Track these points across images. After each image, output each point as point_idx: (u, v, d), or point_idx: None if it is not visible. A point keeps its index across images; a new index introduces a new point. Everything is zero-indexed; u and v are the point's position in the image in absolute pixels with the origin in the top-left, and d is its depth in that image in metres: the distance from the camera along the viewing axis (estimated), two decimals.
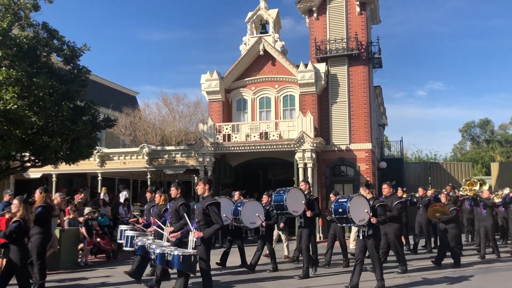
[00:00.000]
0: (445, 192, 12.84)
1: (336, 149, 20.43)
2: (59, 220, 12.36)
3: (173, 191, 8.76)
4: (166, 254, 7.36)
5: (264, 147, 19.18)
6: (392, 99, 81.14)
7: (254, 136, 19.54)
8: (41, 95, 13.65)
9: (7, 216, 10.91)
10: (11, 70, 12.99)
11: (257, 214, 10.74)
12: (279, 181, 23.56)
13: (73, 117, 14.98)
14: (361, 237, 8.75)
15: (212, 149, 19.45)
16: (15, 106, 12.47)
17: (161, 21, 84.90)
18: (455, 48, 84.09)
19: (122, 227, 11.32)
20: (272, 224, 11.47)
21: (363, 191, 9.31)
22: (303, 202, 9.92)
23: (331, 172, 20.47)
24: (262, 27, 22.03)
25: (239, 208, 10.89)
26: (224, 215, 10.51)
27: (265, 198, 12.04)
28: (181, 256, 7.14)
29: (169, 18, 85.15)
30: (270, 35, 21.33)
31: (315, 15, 21.43)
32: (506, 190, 15.24)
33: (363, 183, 11.78)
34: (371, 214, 8.58)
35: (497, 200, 13.79)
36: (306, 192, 10.03)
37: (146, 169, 21.41)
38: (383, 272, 8.92)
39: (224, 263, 11.49)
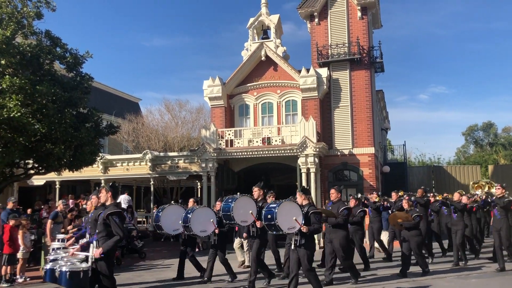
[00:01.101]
0: (407, 197, 11.94)
1: (339, 153, 20.42)
2: (63, 229, 12.38)
3: (103, 195, 7.35)
4: (56, 270, 6.56)
5: (266, 152, 19.19)
6: (394, 103, 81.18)
7: (257, 142, 19.56)
8: (44, 103, 13.72)
9: (11, 223, 10.96)
10: (15, 78, 13.07)
11: (211, 220, 9.94)
12: (282, 186, 23.53)
13: (76, 124, 15.04)
14: (292, 247, 8.08)
15: (215, 154, 19.47)
16: (19, 114, 12.53)
17: (163, 27, 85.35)
18: (456, 51, 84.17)
19: (55, 245, 9.74)
20: (225, 232, 10.38)
21: (299, 196, 8.58)
22: (251, 212, 9.05)
23: (334, 176, 20.44)
24: (264, 32, 22.10)
25: (189, 216, 10.10)
26: (180, 223, 10.21)
27: (218, 205, 11.33)
28: (68, 273, 6.41)
29: (170, 24, 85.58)
30: (271, 41, 21.39)
31: (316, 20, 21.49)
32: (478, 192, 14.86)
33: (337, 187, 10.67)
34: (303, 222, 7.88)
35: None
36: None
37: (149, 175, 21.44)
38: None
39: (180, 276, 10.82)
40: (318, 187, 18.85)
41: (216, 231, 9.84)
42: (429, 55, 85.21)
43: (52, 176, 19.86)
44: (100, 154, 18.12)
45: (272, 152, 19.12)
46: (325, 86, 20.19)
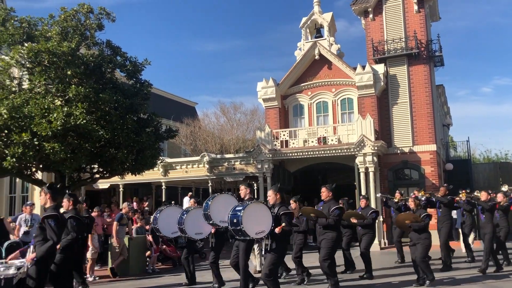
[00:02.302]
0: (413, 196, 10.94)
1: (398, 151, 19.81)
2: (127, 229, 12.89)
3: (65, 203, 7.45)
4: None
5: (322, 152, 18.96)
6: (456, 98, 77.65)
7: (312, 142, 19.38)
8: (107, 110, 14.33)
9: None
10: (80, 87, 13.75)
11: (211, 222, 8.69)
12: (339, 186, 23.18)
13: (137, 129, 15.58)
14: (263, 252, 7.44)
15: (270, 155, 19.50)
16: (84, 121, 13.16)
17: (214, 32, 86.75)
18: None
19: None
20: (222, 232, 9.48)
21: (271, 194, 7.74)
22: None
23: (394, 175, 19.86)
24: (317, 31, 21.88)
25: (183, 217, 9.61)
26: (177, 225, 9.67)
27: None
28: (2, 279, 6.18)
29: (221, 29, 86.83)
30: (325, 39, 21.13)
31: (371, 16, 20.99)
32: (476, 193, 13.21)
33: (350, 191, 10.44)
34: (273, 224, 7.21)
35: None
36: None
37: (207, 177, 21.84)
38: None
39: (192, 282, 10.30)
40: (377, 186, 18.38)
41: (212, 230, 8.98)
42: (491, 46, 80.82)
43: (115, 179, 20.71)
44: (161, 158, 18.66)
45: (328, 152, 18.86)
46: (382, 83, 19.67)
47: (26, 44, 14.30)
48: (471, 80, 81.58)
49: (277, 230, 7.16)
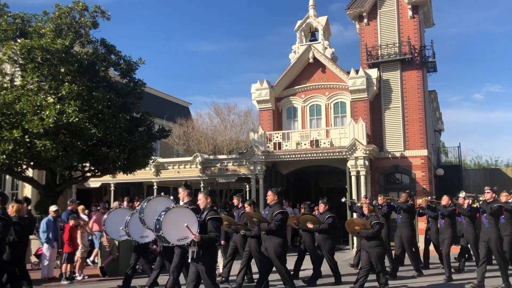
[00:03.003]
0: (368, 201, 10.42)
1: (390, 156, 19.92)
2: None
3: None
4: None
5: (315, 155, 19.02)
6: (448, 104, 78.12)
7: (305, 144, 19.45)
8: (100, 108, 14.31)
9: (71, 223, 11.50)
10: (73, 85, 13.71)
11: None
12: (331, 189, 23.26)
13: (130, 128, 15.56)
14: (189, 260, 6.88)
15: (263, 157, 19.53)
16: (77, 119, 13.12)
17: (209, 32, 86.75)
18: None
19: None
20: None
21: (203, 197, 7.19)
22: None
23: (385, 179, 19.96)
24: (312, 34, 21.97)
25: (127, 219, 9.00)
26: (121, 228, 9.00)
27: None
28: None
29: (217, 29, 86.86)
30: (319, 43, 21.23)
31: (365, 20, 21.12)
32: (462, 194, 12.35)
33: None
34: (198, 230, 6.67)
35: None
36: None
37: (199, 178, 21.82)
38: None
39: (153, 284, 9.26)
40: (368, 190, 18.48)
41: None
42: (484, 53, 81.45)
43: (107, 178, 20.64)
44: (153, 157, 18.64)
45: (320, 155, 18.93)
46: (375, 87, 19.78)
47: (19, 40, 14.25)
48: (463, 86, 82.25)
49: (194, 237, 6.58)
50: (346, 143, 18.43)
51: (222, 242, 11.15)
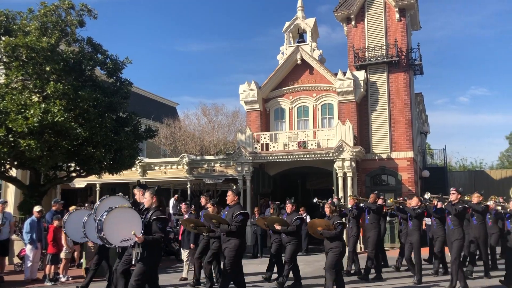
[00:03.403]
0: (329, 201, 9.93)
1: (376, 157, 20.06)
2: None
3: None
4: None
5: (302, 156, 19.06)
6: (434, 106, 79.03)
7: (292, 145, 19.48)
8: (86, 108, 14.14)
9: (55, 224, 11.35)
10: (58, 84, 13.54)
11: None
12: (318, 190, 23.32)
13: (116, 128, 15.42)
14: (133, 262, 6.72)
15: (251, 158, 19.52)
16: (62, 119, 12.95)
17: (198, 32, 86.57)
18: (498, 52, 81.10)
19: None
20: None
21: (148, 195, 6.95)
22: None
23: (371, 181, 20.09)
24: (300, 36, 22.04)
25: (85, 219, 8.79)
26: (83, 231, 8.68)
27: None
28: None
29: (205, 29, 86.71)
30: (307, 44, 21.30)
31: (353, 22, 21.24)
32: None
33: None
34: (142, 231, 6.50)
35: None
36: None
37: (186, 179, 21.71)
38: None
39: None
40: (355, 191, 18.56)
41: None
42: (470, 57, 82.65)
43: (93, 178, 20.43)
44: (139, 158, 18.51)
45: (308, 156, 18.98)
46: (362, 89, 19.91)
47: (3, 38, 14.03)
48: (449, 89, 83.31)
49: (137, 239, 6.42)
50: (333, 145, 18.51)
51: (191, 245, 10.95)
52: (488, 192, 25.51)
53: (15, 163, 14.94)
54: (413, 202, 11.03)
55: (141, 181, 22.39)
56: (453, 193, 9.62)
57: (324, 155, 18.63)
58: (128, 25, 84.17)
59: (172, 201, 20.46)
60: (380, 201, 12.09)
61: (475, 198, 11.19)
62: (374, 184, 20.07)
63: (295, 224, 10.20)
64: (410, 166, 19.63)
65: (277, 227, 10.22)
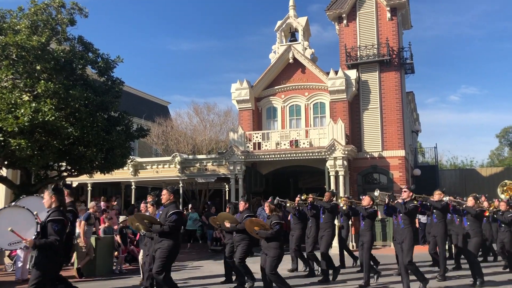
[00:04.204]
0: (269, 200, 9.39)
1: (368, 156, 20.16)
2: (94, 228, 12.66)
3: None
4: None
5: (294, 155, 19.11)
6: (425, 105, 79.58)
7: (284, 144, 19.52)
8: (77, 107, 14.03)
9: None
10: (49, 83, 13.42)
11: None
12: (310, 189, 23.36)
13: (108, 127, 15.33)
14: (28, 266, 6.37)
15: (243, 157, 19.53)
16: (53, 118, 12.84)
17: (189, 31, 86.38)
18: (488, 51, 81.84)
19: None
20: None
21: (47, 195, 6.49)
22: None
23: (363, 180, 20.20)
24: (292, 35, 22.08)
25: None
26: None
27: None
28: None
29: (196, 28, 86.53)
30: (299, 43, 21.35)
31: (345, 21, 21.31)
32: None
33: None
34: (36, 233, 6.13)
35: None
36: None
37: (178, 178, 21.66)
38: None
39: None
40: (347, 190, 18.66)
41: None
42: (460, 56, 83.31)
43: (84, 178, 20.25)
44: (131, 157, 18.43)
45: (300, 155, 19.03)
46: (354, 88, 19.99)
47: None
48: (440, 88, 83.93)
49: (25, 242, 6.04)
50: (325, 144, 18.57)
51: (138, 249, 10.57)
52: (478, 190, 25.81)
53: (6, 162, 14.79)
54: (365, 201, 10.42)
55: (132, 181, 22.32)
56: (405, 191, 9.27)
57: (316, 154, 18.68)
58: (119, 23, 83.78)
59: None
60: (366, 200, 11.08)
61: (436, 195, 10.86)
62: (366, 182, 20.18)
63: (275, 229, 8.84)
64: (401, 165, 19.75)
65: (227, 224, 9.80)
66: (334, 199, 11.62)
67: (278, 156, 19.38)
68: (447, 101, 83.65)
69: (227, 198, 24.03)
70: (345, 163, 18.43)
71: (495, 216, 11.74)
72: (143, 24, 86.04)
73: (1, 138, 12.73)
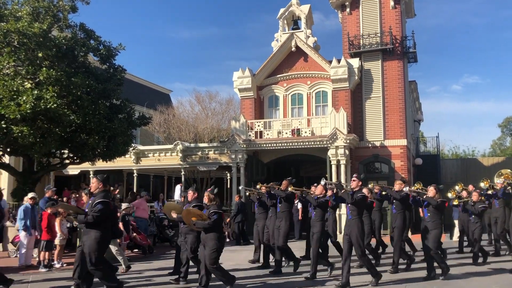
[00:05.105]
0: (208, 190, 8.90)
1: (370, 145, 20.15)
2: None
3: None
4: None
5: (296, 144, 19.11)
6: (427, 94, 79.26)
7: (286, 133, 19.52)
8: (79, 94, 14.05)
9: (49, 211, 11.34)
10: (51, 70, 13.42)
11: None
12: (311, 178, 23.42)
13: (110, 115, 15.35)
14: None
15: (244, 146, 19.54)
16: (55, 105, 12.87)
17: (190, 19, 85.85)
18: (491, 40, 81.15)
19: None
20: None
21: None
22: None
23: (365, 169, 20.19)
24: (294, 23, 21.93)
25: None
26: None
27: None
28: None
29: (198, 16, 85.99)
30: (302, 31, 21.22)
31: (348, 9, 21.16)
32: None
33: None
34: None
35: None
36: None
37: (180, 166, 21.74)
38: None
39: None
40: (348, 179, 18.65)
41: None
42: (463, 45, 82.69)
43: (86, 165, 20.38)
44: (133, 145, 18.46)
45: (301, 143, 19.03)
46: (356, 77, 19.91)
47: None
48: (442, 77, 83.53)
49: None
50: (327, 132, 18.56)
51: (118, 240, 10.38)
52: (479, 179, 25.76)
53: (8, 150, 14.87)
54: (317, 190, 9.92)
55: (134, 169, 22.37)
56: (354, 180, 8.85)
57: (318, 142, 18.68)
58: (120, 11, 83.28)
59: (178, 188, 20.44)
60: (365, 190, 10.27)
61: (397, 185, 10.65)
62: (367, 171, 20.16)
63: (213, 219, 8.29)
64: (403, 154, 19.74)
65: (173, 214, 9.28)
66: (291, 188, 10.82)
67: (280, 144, 19.39)
68: (449, 90, 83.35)
69: (228, 186, 24.11)
70: (347, 152, 18.44)
71: (465, 206, 11.67)
72: (144, 11, 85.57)
73: (4, 125, 12.76)
